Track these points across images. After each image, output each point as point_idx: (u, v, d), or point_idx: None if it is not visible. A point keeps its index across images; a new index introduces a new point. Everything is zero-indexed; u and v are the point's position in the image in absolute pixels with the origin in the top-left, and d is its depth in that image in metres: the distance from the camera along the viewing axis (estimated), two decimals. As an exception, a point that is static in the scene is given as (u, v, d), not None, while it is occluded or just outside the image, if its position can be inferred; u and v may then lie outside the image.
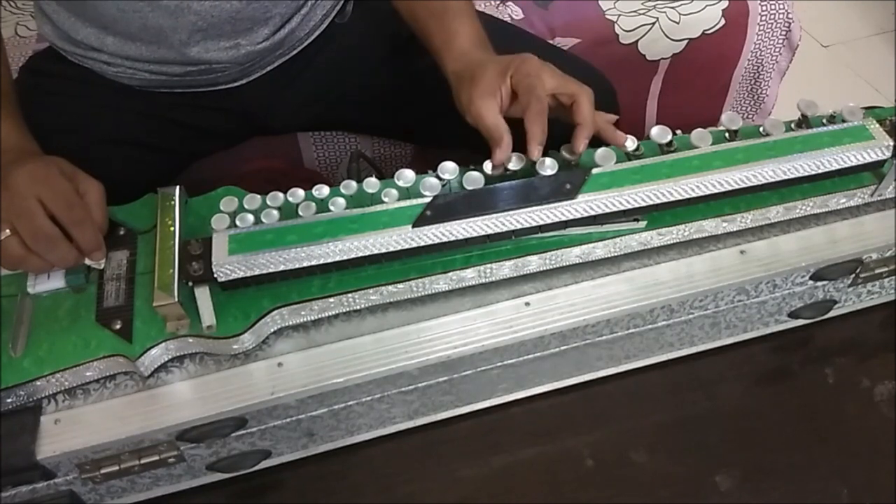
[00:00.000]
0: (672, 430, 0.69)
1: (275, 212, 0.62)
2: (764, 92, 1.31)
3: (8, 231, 0.57)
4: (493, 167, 0.64)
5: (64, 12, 0.78)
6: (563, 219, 0.62)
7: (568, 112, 0.64)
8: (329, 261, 0.60)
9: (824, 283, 0.70)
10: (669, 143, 0.66)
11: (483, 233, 0.61)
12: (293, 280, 0.62)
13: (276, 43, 0.83)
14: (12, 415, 0.58)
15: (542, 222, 0.62)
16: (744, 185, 0.64)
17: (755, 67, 1.27)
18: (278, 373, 0.60)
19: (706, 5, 1.17)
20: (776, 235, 0.68)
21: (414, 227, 0.60)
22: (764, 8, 1.20)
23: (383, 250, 0.60)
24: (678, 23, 1.16)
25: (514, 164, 0.64)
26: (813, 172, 0.65)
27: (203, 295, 0.60)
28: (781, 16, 1.22)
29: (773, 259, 0.66)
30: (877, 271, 0.71)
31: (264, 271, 0.60)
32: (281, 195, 0.63)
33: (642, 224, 0.65)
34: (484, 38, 0.72)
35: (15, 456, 0.56)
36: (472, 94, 0.65)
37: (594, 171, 0.63)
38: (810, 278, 0.69)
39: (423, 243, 0.61)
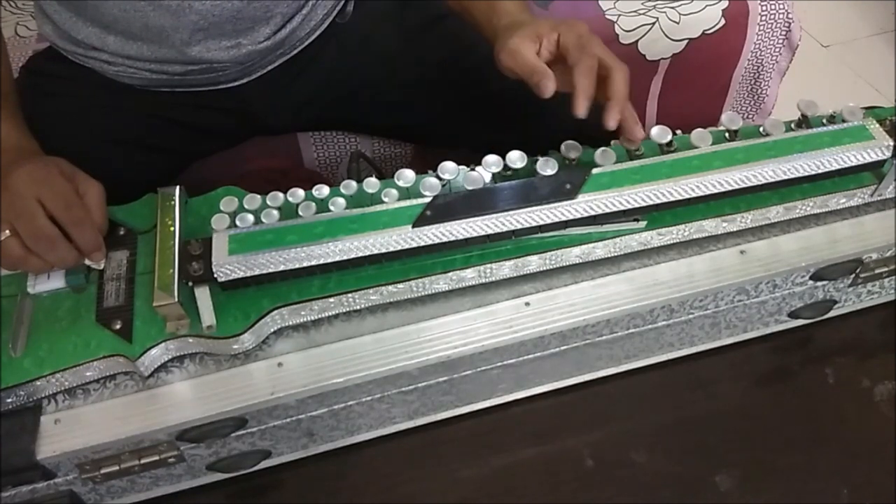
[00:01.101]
0: (672, 430, 0.69)
1: (275, 212, 0.62)
2: (764, 92, 1.31)
3: (8, 231, 0.57)
4: (544, 94, 0.61)
5: (65, 12, 0.78)
6: (563, 219, 0.62)
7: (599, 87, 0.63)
8: (329, 261, 0.60)
9: (824, 283, 0.70)
10: (669, 143, 0.66)
11: (483, 233, 0.61)
12: (293, 280, 0.62)
13: (278, 42, 0.83)
14: (12, 415, 0.58)
15: (542, 222, 0.62)
16: (744, 185, 0.64)
17: (755, 67, 1.27)
18: (278, 373, 0.60)
19: (706, 5, 1.17)
20: (776, 235, 0.68)
21: (414, 227, 0.60)
22: (764, 8, 1.20)
23: (383, 250, 0.60)
24: (678, 23, 1.16)
25: (516, 164, 0.63)
26: (813, 172, 0.65)
27: (203, 295, 0.60)
28: (781, 16, 1.22)
29: (773, 259, 0.66)
30: (877, 271, 0.71)
31: (264, 271, 0.60)
32: (281, 195, 0.63)
33: (642, 224, 0.65)
34: (527, 8, 0.72)
35: (15, 456, 0.56)
36: (513, 35, 0.63)
37: (594, 170, 0.63)
38: (810, 278, 0.69)
39: (423, 243, 0.61)
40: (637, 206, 0.62)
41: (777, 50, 1.26)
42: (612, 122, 0.62)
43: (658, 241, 0.66)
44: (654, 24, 1.15)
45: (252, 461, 0.65)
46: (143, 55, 0.79)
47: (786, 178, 0.65)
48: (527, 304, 0.64)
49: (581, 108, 0.61)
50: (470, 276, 0.63)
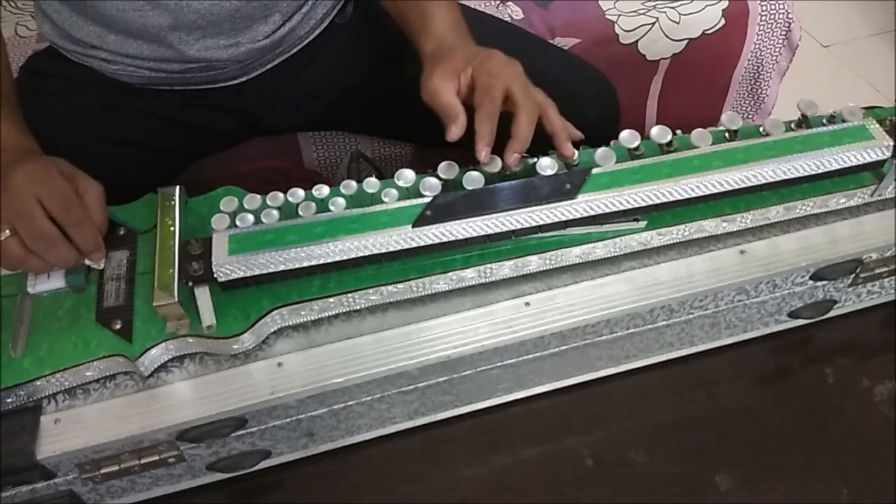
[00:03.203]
0: (672, 430, 0.69)
1: (275, 212, 0.62)
2: (764, 92, 1.31)
3: (7, 232, 0.57)
4: (449, 139, 0.62)
5: (65, 10, 0.78)
6: (563, 219, 0.62)
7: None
8: (329, 261, 0.60)
9: (824, 283, 0.70)
10: (669, 143, 0.66)
11: (483, 233, 0.61)
12: (293, 280, 0.61)
13: (277, 41, 0.83)
14: (12, 415, 0.58)
15: (542, 222, 0.62)
16: (744, 185, 0.64)
17: (755, 67, 1.27)
18: (278, 373, 0.60)
19: (706, 5, 1.17)
20: (776, 235, 0.68)
21: (414, 227, 0.60)
22: (764, 8, 1.20)
23: (383, 250, 0.60)
24: (678, 23, 1.16)
25: (514, 166, 0.64)
26: (813, 172, 0.65)
27: (203, 295, 0.60)
28: (781, 16, 1.22)
29: (773, 259, 0.66)
30: (877, 271, 0.71)
31: (264, 271, 0.60)
32: (281, 195, 0.63)
33: (642, 224, 0.65)
34: (461, 26, 0.72)
35: (15, 456, 0.56)
36: (433, 73, 0.64)
37: (594, 171, 0.63)
38: (810, 278, 0.69)
39: (423, 243, 0.61)
40: (637, 206, 0.62)
41: (777, 50, 1.26)
42: (508, 161, 0.62)
43: (658, 241, 0.66)
44: (654, 24, 1.16)
45: (252, 461, 0.65)
46: (142, 54, 0.79)
47: (786, 178, 0.65)
48: (527, 304, 0.64)
49: (480, 153, 0.61)
50: (470, 276, 0.63)
